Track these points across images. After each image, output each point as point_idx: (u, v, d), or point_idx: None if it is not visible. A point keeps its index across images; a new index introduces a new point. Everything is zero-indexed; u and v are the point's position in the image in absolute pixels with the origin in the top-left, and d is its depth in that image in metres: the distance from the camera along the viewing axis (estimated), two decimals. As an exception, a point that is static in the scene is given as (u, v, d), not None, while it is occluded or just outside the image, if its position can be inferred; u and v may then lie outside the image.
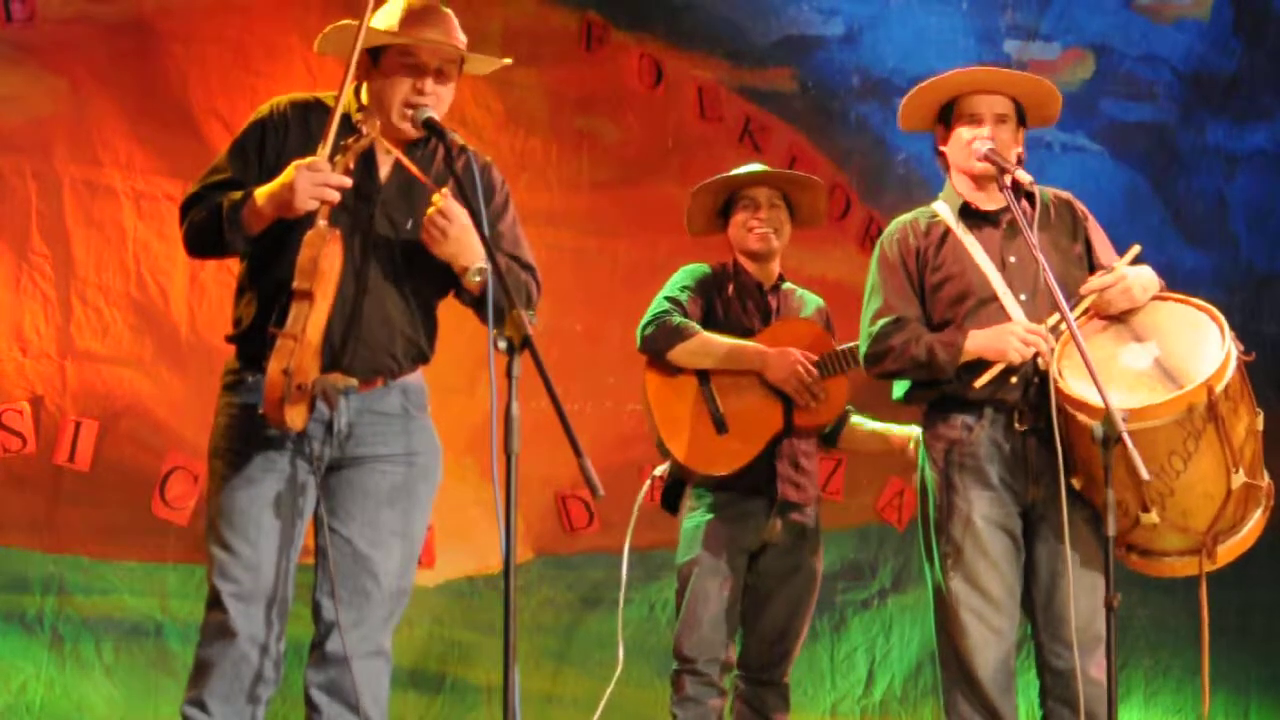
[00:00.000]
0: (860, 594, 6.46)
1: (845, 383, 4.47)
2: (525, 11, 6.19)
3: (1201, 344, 3.79)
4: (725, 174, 4.61)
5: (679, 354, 4.42)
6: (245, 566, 3.33)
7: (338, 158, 3.28)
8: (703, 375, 4.46)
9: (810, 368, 4.38)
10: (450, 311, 3.58)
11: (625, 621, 4.50)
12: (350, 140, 3.30)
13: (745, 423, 4.43)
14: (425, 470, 3.51)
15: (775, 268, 4.61)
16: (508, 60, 3.60)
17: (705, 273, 4.57)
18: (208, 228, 3.33)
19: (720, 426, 4.42)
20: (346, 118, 3.38)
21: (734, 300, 4.53)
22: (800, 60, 6.69)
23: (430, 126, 3.36)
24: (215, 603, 3.34)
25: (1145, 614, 6.45)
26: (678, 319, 4.42)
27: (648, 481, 4.49)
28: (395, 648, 3.53)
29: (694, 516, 4.46)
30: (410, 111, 3.39)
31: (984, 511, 3.93)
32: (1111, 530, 3.62)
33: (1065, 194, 4.20)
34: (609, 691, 4.37)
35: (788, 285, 4.64)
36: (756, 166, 4.66)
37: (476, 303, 3.43)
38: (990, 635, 3.93)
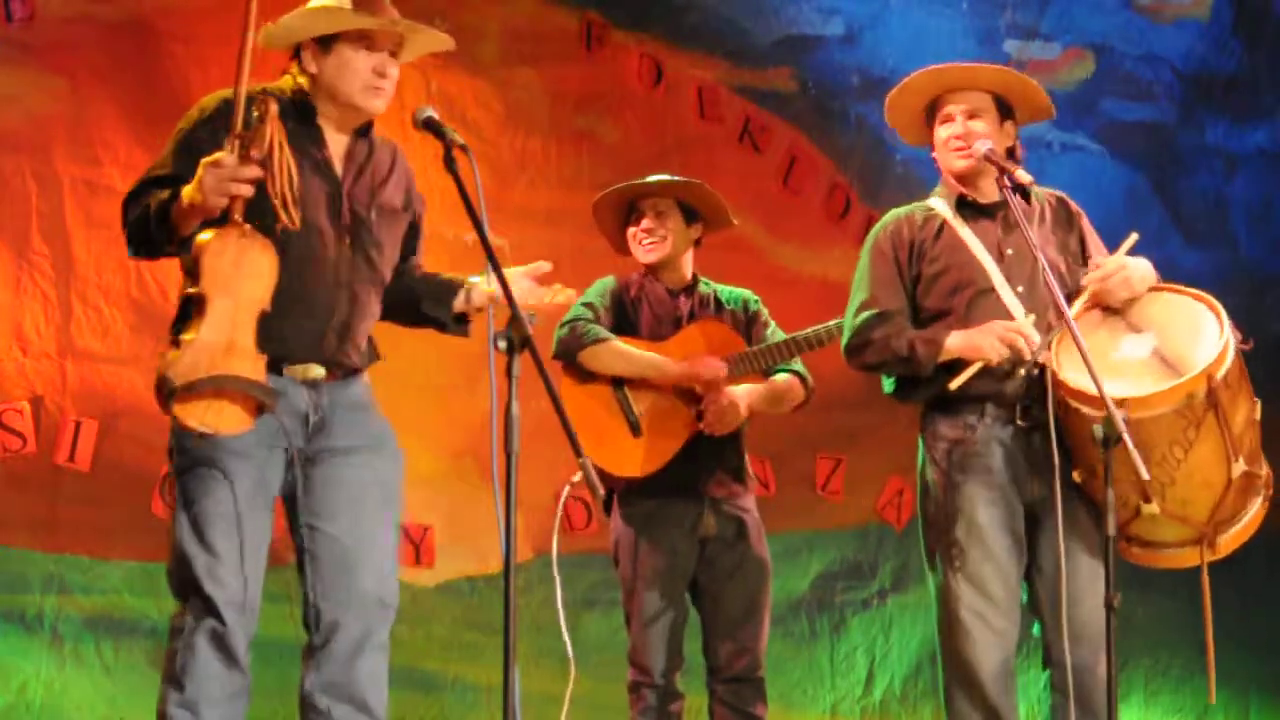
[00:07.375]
0: (860, 594, 6.46)
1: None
2: (525, 11, 6.19)
3: (1200, 333, 3.80)
4: (616, 187, 4.59)
5: (589, 357, 4.44)
6: (220, 563, 3.30)
7: (239, 144, 3.18)
8: (616, 381, 4.48)
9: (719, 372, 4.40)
10: (450, 311, 3.58)
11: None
12: (252, 130, 3.21)
13: (660, 423, 4.44)
14: (394, 454, 3.54)
15: (685, 273, 4.62)
16: (450, 44, 3.58)
17: (614, 285, 4.59)
18: (142, 226, 3.28)
19: (635, 429, 4.44)
20: (249, 106, 3.25)
21: (645, 307, 4.55)
22: (800, 60, 6.69)
23: (430, 126, 3.35)
24: (187, 599, 3.33)
25: (1145, 613, 6.44)
26: (591, 325, 4.45)
27: (565, 489, 4.42)
28: (395, 648, 3.52)
29: (621, 532, 4.48)
30: (375, 93, 3.42)
31: (988, 512, 3.92)
32: (1111, 530, 3.62)
33: (1058, 192, 4.20)
34: (568, 692, 4.31)
35: (705, 286, 4.64)
36: (663, 177, 4.64)
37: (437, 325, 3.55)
38: (993, 637, 3.92)
